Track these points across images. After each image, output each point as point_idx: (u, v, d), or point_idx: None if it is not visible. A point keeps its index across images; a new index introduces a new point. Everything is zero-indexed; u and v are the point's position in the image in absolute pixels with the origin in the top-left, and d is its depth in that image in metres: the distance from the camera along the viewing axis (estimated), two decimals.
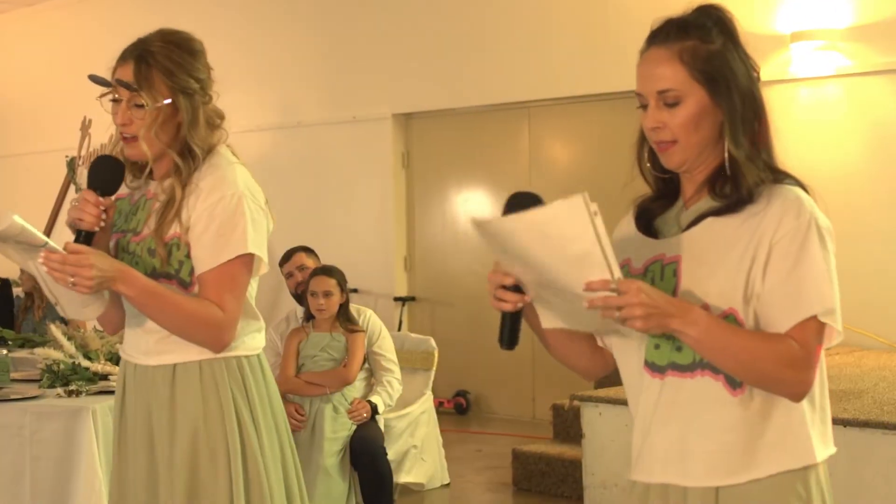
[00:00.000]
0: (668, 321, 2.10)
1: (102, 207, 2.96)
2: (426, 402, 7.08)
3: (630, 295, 2.05)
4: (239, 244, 3.01)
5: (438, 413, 7.48)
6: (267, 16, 10.43)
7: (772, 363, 2.14)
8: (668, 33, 2.28)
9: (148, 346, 3.10)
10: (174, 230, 3.01)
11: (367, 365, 6.03)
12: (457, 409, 9.57)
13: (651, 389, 2.32)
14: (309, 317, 5.98)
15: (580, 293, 2.07)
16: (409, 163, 9.86)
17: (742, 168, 2.23)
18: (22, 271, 8.69)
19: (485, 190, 9.48)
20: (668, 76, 2.25)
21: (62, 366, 5.39)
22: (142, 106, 2.99)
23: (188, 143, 3.04)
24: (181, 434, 3.06)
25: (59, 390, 5.15)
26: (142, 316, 3.07)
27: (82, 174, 11.13)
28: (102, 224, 2.97)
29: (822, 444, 2.26)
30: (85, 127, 11.14)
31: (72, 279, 2.79)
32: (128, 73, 3.00)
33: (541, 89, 8.94)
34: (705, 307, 2.19)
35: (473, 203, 9.48)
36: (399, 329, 9.38)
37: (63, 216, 11.34)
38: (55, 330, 5.70)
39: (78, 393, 5.08)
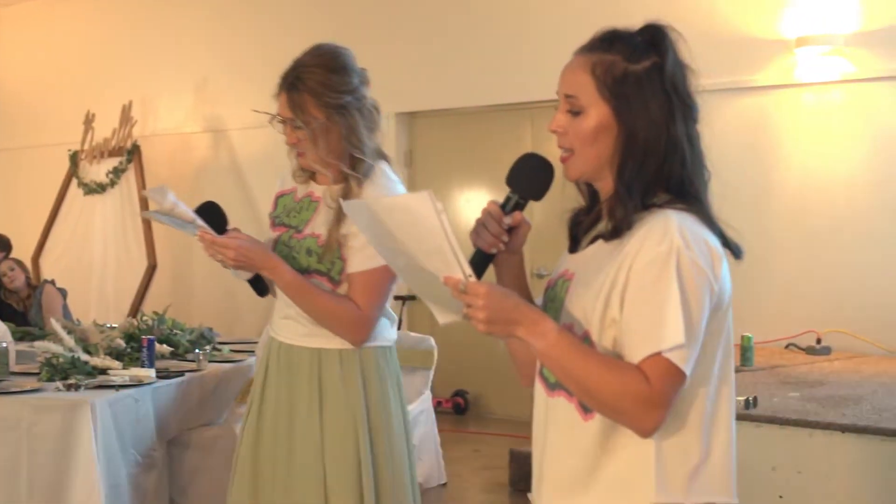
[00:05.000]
0: (513, 328, 2.07)
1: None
2: (425, 402, 7.08)
3: (477, 298, 2.05)
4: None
5: (437, 412, 7.47)
6: (269, 14, 10.42)
7: (613, 392, 2.02)
8: (594, 43, 2.23)
9: (296, 329, 3.48)
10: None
11: None
12: (455, 409, 9.57)
13: (538, 400, 2.32)
14: None
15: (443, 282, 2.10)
16: (412, 161, 9.86)
17: (619, 199, 2.16)
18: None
19: (487, 190, 9.47)
20: (576, 83, 2.20)
21: (61, 359, 5.39)
22: (301, 128, 3.38)
23: (352, 154, 3.42)
24: (326, 412, 3.41)
25: (58, 384, 5.15)
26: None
27: (84, 168, 11.12)
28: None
29: (672, 491, 2.11)
30: (88, 121, 11.12)
31: (219, 257, 3.34)
32: (283, 103, 3.41)
33: (544, 91, 8.88)
34: (569, 326, 2.15)
35: (476, 203, 9.46)
36: (399, 328, 9.35)
37: (64, 209, 11.32)
38: (55, 324, 5.70)
39: (77, 387, 5.08)
